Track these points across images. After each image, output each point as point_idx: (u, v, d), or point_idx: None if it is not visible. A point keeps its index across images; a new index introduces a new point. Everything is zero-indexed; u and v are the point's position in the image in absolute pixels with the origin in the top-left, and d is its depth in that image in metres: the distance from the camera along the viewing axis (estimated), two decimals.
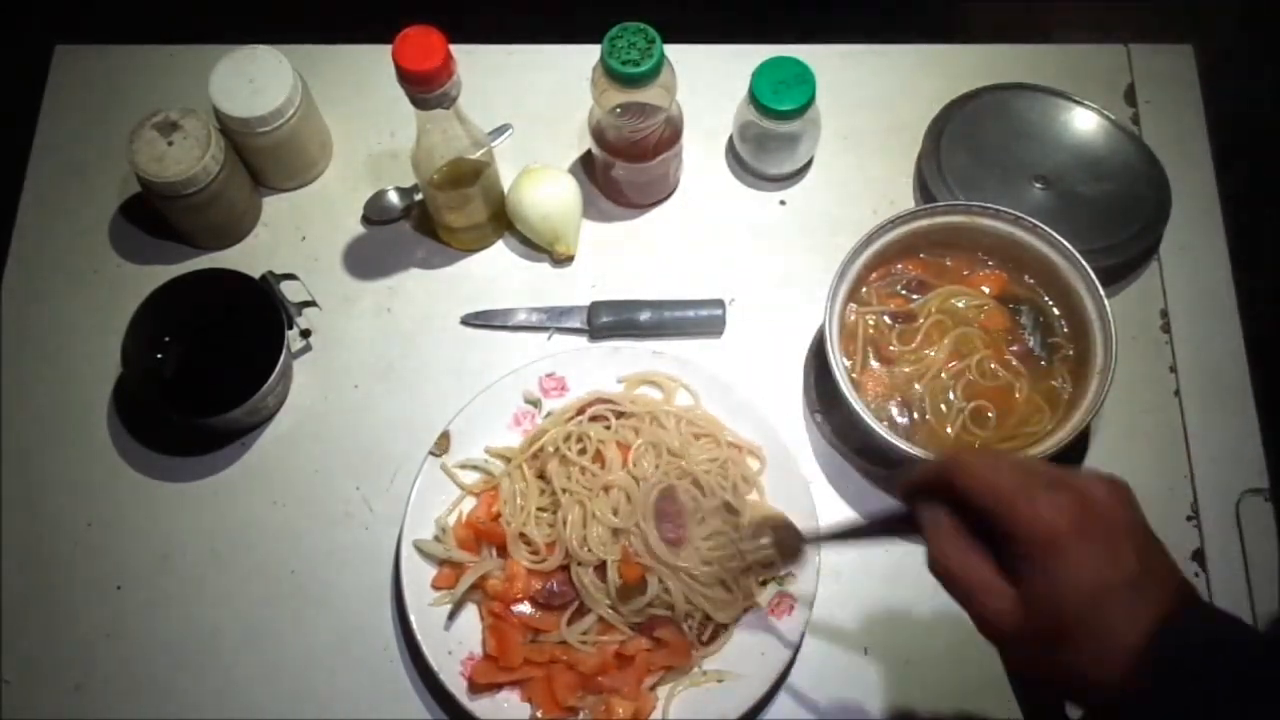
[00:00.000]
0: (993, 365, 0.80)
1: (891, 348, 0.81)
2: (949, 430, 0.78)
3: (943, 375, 0.80)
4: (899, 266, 0.83)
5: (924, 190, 0.89)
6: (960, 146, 0.88)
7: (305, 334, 0.85)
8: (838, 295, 0.78)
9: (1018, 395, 0.79)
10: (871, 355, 0.81)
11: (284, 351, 0.79)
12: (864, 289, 0.82)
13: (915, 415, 0.79)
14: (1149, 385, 0.84)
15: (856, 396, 0.75)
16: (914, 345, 0.80)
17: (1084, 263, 0.78)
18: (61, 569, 0.80)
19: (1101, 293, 0.77)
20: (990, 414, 0.78)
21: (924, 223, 0.80)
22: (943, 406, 0.79)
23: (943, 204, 0.82)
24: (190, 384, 0.79)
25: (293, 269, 0.83)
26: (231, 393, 0.77)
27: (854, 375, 0.79)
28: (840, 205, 0.90)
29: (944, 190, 0.86)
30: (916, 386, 0.79)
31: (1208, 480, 0.81)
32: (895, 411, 0.79)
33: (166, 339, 0.80)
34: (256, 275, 0.81)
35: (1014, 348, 0.80)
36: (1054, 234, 0.78)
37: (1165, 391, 0.84)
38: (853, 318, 0.81)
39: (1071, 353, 0.79)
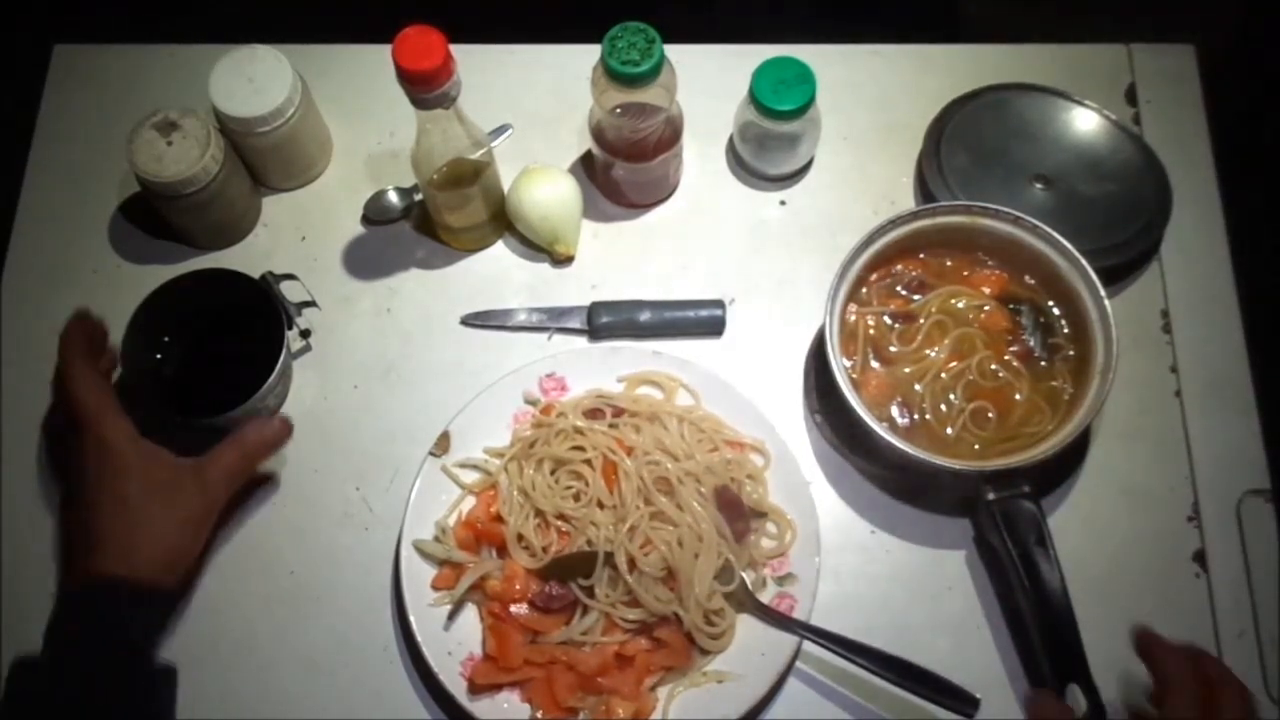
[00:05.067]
0: (993, 366, 0.80)
1: (891, 348, 0.80)
2: (949, 431, 0.78)
3: (943, 376, 0.79)
4: (899, 267, 0.83)
5: (924, 190, 0.89)
6: (960, 146, 0.88)
7: (305, 334, 0.85)
8: (838, 296, 0.78)
9: (1018, 396, 0.79)
10: (872, 356, 0.81)
11: (284, 351, 0.79)
12: (864, 289, 0.82)
13: (915, 416, 0.79)
14: (1149, 385, 0.84)
15: (857, 397, 0.75)
16: (914, 346, 0.80)
17: (1084, 263, 0.77)
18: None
19: (1102, 293, 0.77)
20: (990, 414, 0.78)
21: (924, 223, 0.80)
22: (943, 407, 0.79)
23: (943, 204, 0.82)
24: (190, 384, 0.79)
25: (293, 269, 0.83)
26: (231, 393, 0.77)
27: (854, 376, 0.79)
28: (840, 205, 0.90)
29: (944, 190, 0.86)
30: (917, 387, 0.79)
31: (1208, 481, 0.80)
32: (896, 412, 0.79)
33: (166, 339, 0.80)
34: (256, 275, 0.81)
35: (1014, 348, 0.80)
36: (1054, 234, 0.78)
37: (1166, 392, 0.84)
38: (853, 318, 0.81)
39: (1072, 353, 0.79)
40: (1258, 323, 0.86)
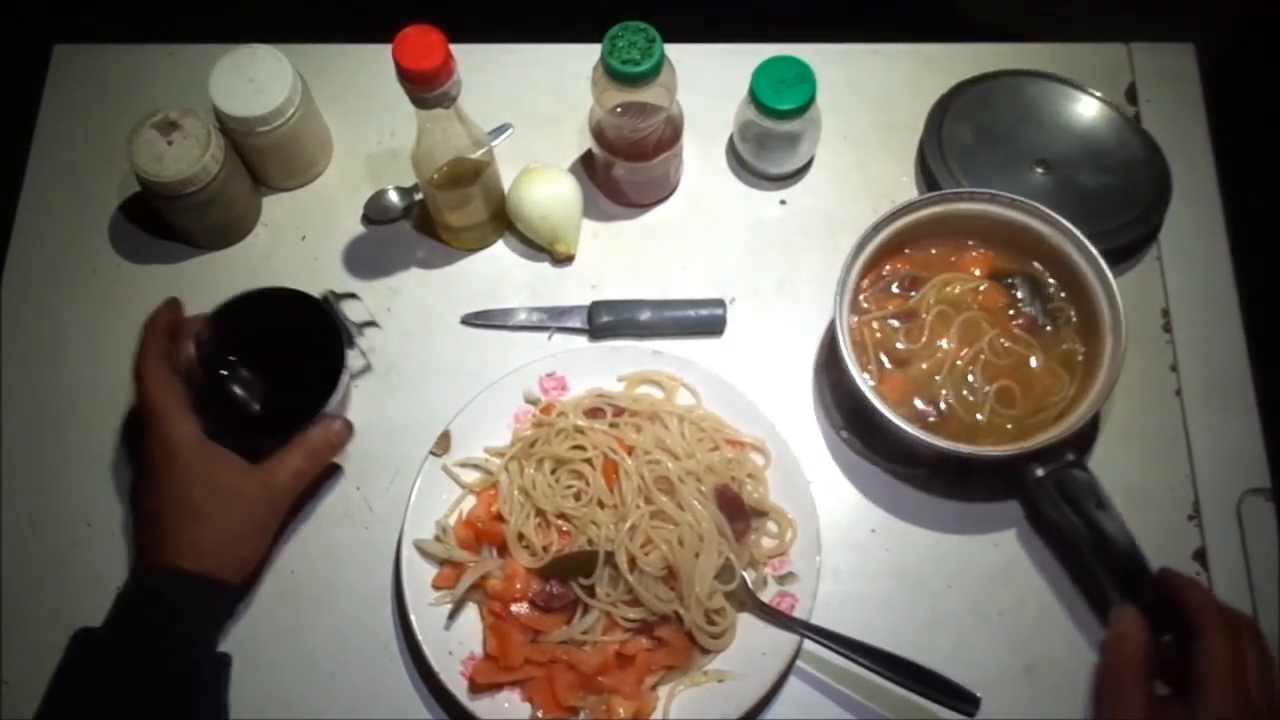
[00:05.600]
0: (1003, 341, 0.80)
1: (899, 345, 0.80)
2: (979, 416, 0.78)
3: (959, 363, 0.79)
4: (887, 268, 0.83)
5: (924, 169, 0.89)
6: (964, 125, 0.88)
7: (364, 355, 0.83)
8: (843, 312, 0.77)
9: (1035, 367, 0.79)
10: (886, 360, 0.80)
11: (344, 371, 0.77)
12: (860, 297, 0.82)
13: (943, 408, 0.78)
14: (1150, 385, 0.84)
15: (892, 410, 0.74)
16: (923, 341, 0.80)
17: (1063, 221, 0.78)
18: (61, 569, 0.80)
19: (1091, 248, 0.77)
20: (1015, 391, 0.78)
21: (903, 221, 0.80)
22: (965, 393, 0.79)
23: (918, 199, 0.80)
24: (252, 405, 0.78)
25: (293, 269, 0.83)
26: (290, 415, 0.76)
27: (873, 384, 0.78)
28: (841, 205, 0.90)
29: (942, 168, 0.86)
30: (936, 379, 0.79)
31: (1209, 480, 0.80)
32: (922, 409, 0.79)
33: (229, 360, 0.78)
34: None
35: (1018, 321, 0.80)
36: (1028, 201, 0.78)
37: (1166, 391, 0.84)
38: (855, 325, 0.81)
39: (1074, 315, 0.80)
40: (1258, 322, 0.86)
